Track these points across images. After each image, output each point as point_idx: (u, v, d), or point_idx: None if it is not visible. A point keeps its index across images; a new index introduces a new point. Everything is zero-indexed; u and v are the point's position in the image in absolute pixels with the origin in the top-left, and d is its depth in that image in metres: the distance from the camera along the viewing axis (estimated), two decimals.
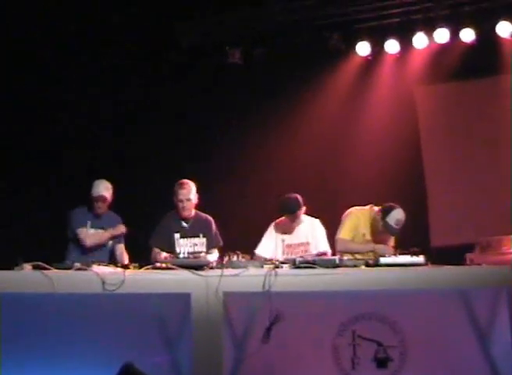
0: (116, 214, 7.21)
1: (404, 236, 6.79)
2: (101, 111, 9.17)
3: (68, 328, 5.47)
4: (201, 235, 6.93)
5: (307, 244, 6.96)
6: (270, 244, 7.00)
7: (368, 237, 6.77)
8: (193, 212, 6.98)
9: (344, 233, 6.78)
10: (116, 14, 8.72)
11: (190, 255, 6.47)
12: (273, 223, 7.09)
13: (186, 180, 6.94)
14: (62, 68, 8.94)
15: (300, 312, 5.61)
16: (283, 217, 7.04)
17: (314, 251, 6.77)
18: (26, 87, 8.85)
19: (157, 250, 6.80)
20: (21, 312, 5.43)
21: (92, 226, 7.05)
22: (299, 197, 6.92)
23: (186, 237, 6.91)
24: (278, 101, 9.14)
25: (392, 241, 6.78)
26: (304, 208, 6.95)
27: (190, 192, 6.88)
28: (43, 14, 8.49)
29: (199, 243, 6.92)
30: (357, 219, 6.80)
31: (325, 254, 6.24)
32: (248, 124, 9.12)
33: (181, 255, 6.46)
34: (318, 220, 7.09)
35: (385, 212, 6.62)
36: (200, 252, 6.58)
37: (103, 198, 7.03)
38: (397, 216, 6.59)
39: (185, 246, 6.88)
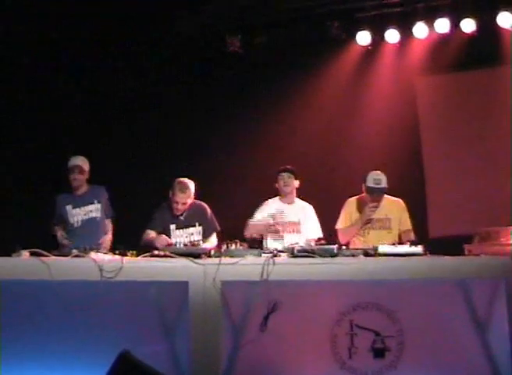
0: (99, 185, 7.21)
1: None
2: (97, 101, 9.15)
3: (65, 315, 5.48)
4: (197, 224, 6.94)
5: (298, 224, 6.99)
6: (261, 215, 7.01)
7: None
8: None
9: (341, 223, 6.93)
10: (115, 2, 8.67)
11: (189, 244, 6.50)
12: (268, 201, 7.14)
13: (187, 183, 6.89)
14: (57, 59, 8.92)
15: (298, 301, 5.62)
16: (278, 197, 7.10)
17: (305, 233, 6.89)
18: (23, 79, 8.84)
19: (152, 232, 6.82)
20: (18, 298, 5.45)
21: (76, 206, 7.06)
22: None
23: (182, 228, 6.92)
24: (277, 90, 9.11)
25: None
26: (297, 182, 7.05)
27: (188, 197, 6.89)
28: (39, 3, 8.46)
29: (195, 232, 6.93)
30: (351, 207, 6.95)
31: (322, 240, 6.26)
32: (248, 113, 9.11)
33: (177, 246, 6.50)
34: (311, 206, 7.12)
35: (364, 178, 6.80)
36: (198, 241, 6.59)
37: (79, 168, 7.01)
38: (373, 175, 6.78)
39: (180, 237, 6.90)
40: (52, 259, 5.40)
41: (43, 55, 8.90)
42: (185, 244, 6.61)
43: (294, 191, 7.11)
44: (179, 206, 6.87)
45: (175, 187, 6.86)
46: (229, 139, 9.17)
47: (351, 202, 6.99)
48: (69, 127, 9.02)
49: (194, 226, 6.95)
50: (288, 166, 7.09)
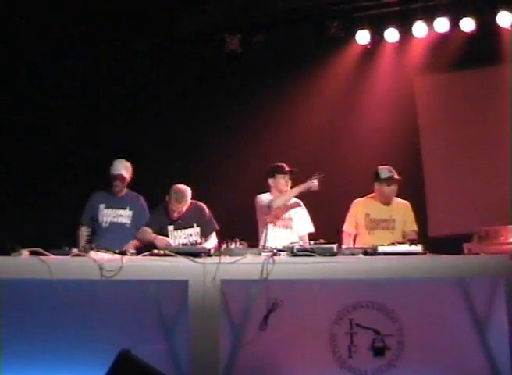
0: (136, 193, 7.25)
1: None
2: (94, 101, 9.15)
3: (65, 314, 5.47)
4: (195, 225, 6.94)
5: (289, 219, 7.01)
6: (260, 214, 7.06)
7: (373, 215, 6.92)
8: None
9: (346, 225, 6.98)
10: (115, 2, 8.67)
11: (188, 244, 6.50)
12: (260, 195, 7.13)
13: (183, 193, 6.85)
14: (55, 59, 8.91)
15: (298, 300, 5.62)
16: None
17: (296, 228, 6.95)
18: (29, 79, 8.84)
19: (149, 229, 6.84)
20: (18, 298, 5.44)
21: (108, 207, 7.09)
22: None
23: (180, 229, 6.92)
24: (277, 89, 9.12)
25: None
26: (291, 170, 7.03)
27: (184, 205, 6.88)
28: (39, 1, 8.46)
29: (193, 233, 6.93)
30: (356, 208, 6.99)
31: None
32: (247, 112, 9.11)
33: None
34: (300, 201, 7.12)
35: (375, 174, 6.98)
36: (198, 242, 6.58)
37: (121, 177, 7.08)
38: (386, 168, 6.98)
39: (179, 238, 6.91)
40: (52, 258, 5.39)
41: (42, 55, 8.90)
42: (184, 244, 6.61)
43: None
44: (175, 214, 6.90)
45: (171, 195, 6.85)
46: (228, 138, 9.16)
47: (357, 203, 7.02)
48: (69, 127, 9.02)
49: (193, 227, 6.95)
50: (292, 168, 7.04)
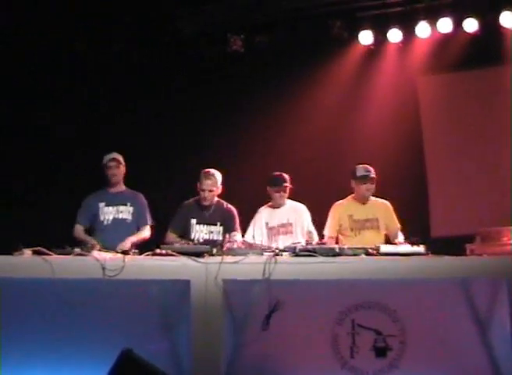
0: (136, 191, 7.15)
1: (405, 225, 6.91)
2: (96, 101, 9.14)
3: (67, 314, 5.47)
4: (219, 223, 6.91)
5: (289, 224, 7.02)
6: (257, 231, 7.05)
7: (356, 216, 6.91)
8: (216, 200, 6.96)
9: (330, 230, 6.92)
10: (116, 2, 8.67)
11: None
12: (260, 209, 7.16)
13: (212, 171, 6.88)
14: (56, 58, 8.91)
15: (300, 300, 5.61)
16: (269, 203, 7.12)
17: (299, 232, 6.93)
18: (29, 78, 8.85)
19: (172, 235, 6.82)
20: (20, 297, 5.44)
21: (108, 204, 6.98)
22: (285, 175, 7.03)
23: (203, 224, 6.89)
24: (280, 89, 9.11)
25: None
26: (288, 186, 7.00)
27: (214, 183, 6.85)
28: (39, 1, 8.47)
29: (215, 231, 6.89)
30: (338, 212, 6.97)
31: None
32: (249, 112, 9.10)
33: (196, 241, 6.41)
34: (303, 205, 7.13)
35: (352, 173, 6.94)
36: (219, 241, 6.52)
37: (117, 160, 6.95)
38: (362, 166, 6.94)
39: (200, 232, 6.87)
40: (55, 258, 5.40)
41: (42, 55, 8.90)
42: (205, 240, 6.58)
43: (285, 195, 7.10)
44: (206, 194, 6.83)
45: (201, 177, 6.85)
46: (229, 138, 9.16)
47: (338, 206, 7.01)
48: (69, 127, 9.02)
49: (216, 225, 6.92)
50: (285, 184, 7.02)
